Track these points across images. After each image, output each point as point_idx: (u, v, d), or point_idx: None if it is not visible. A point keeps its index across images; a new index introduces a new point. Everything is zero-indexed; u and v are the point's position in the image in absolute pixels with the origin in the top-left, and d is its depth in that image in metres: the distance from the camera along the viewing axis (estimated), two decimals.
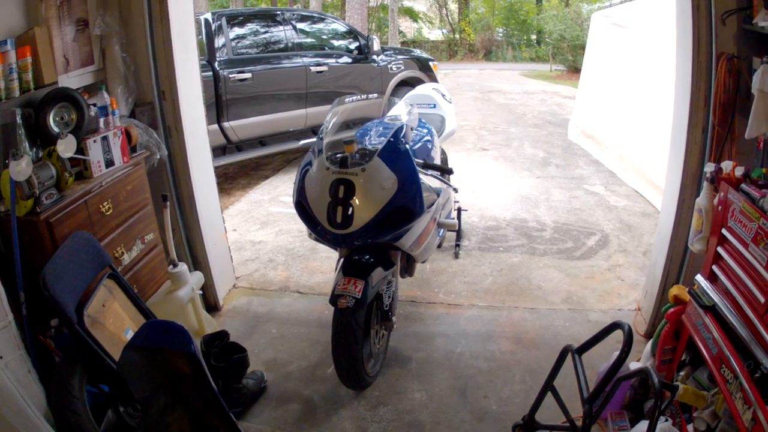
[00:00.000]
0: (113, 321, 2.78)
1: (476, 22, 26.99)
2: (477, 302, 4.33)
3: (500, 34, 27.03)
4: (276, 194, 6.99)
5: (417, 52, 10.13)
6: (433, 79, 9.20)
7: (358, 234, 2.99)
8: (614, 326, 2.54)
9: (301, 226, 5.63)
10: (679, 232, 3.53)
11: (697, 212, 2.89)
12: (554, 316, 4.11)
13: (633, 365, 3.02)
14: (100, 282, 2.82)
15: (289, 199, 6.50)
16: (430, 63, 9.49)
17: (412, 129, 3.48)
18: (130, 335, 2.77)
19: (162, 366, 2.28)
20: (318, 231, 3.12)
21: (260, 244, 5.46)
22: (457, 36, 27.11)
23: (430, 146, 4.19)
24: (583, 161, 8.11)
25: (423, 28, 28.77)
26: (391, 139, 3.21)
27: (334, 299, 2.98)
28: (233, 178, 7.70)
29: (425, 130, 4.37)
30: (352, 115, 4.09)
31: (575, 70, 18.93)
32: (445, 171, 3.60)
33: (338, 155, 3.15)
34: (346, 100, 3.77)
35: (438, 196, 3.57)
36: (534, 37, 26.18)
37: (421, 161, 3.47)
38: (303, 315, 4.22)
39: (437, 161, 4.32)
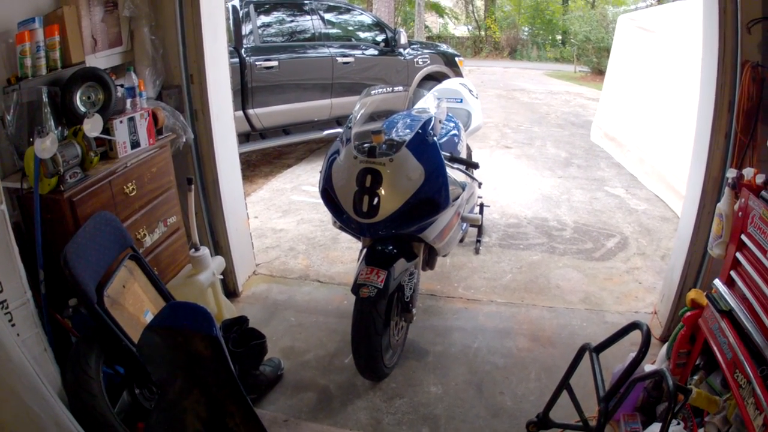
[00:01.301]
0: (133, 302, 2.79)
1: (502, 20, 26.83)
2: (496, 298, 4.32)
3: (525, 33, 26.84)
4: (298, 183, 7.01)
5: (443, 47, 10.09)
6: (459, 74, 9.17)
7: (383, 224, 2.99)
8: (632, 326, 2.54)
9: (322, 216, 5.68)
10: (698, 237, 3.50)
11: (717, 217, 2.87)
12: (571, 316, 4.10)
13: (648, 368, 2.97)
14: (121, 263, 2.84)
15: (312, 189, 6.63)
16: (456, 59, 9.47)
17: (440, 122, 3.47)
18: (149, 317, 2.79)
19: (182, 348, 2.29)
20: (343, 219, 3.12)
21: (281, 232, 5.48)
22: (483, 33, 26.97)
23: (456, 140, 4.17)
24: (605, 163, 8.05)
25: (448, 24, 28.67)
26: (420, 131, 3.21)
27: (356, 288, 2.98)
28: (256, 166, 7.73)
29: (452, 124, 4.36)
30: (380, 107, 4.10)
31: (599, 72, 18.77)
32: (470, 165, 3.59)
33: (366, 145, 3.15)
34: (373, 91, 3.77)
35: (463, 190, 3.57)
36: (559, 37, 25.96)
37: (448, 154, 3.45)
38: (322, 304, 4.23)
39: (463, 155, 4.31)
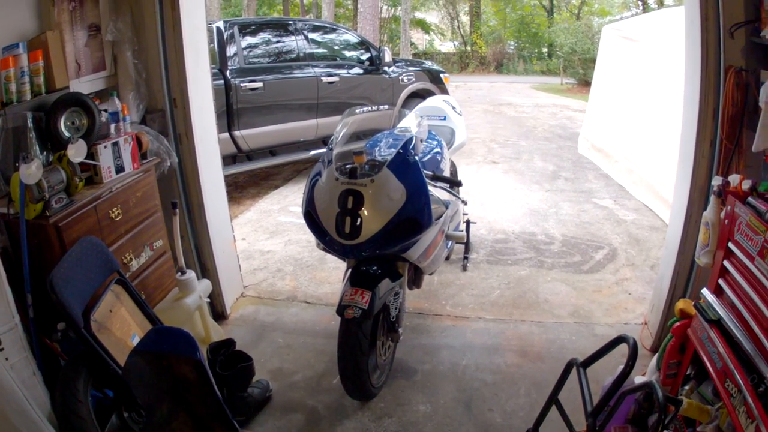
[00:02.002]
0: (120, 326, 2.79)
1: (488, 35, 26.98)
2: (484, 315, 4.32)
3: (511, 47, 27.02)
4: (285, 204, 7.01)
5: (428, 63, 10.14)
6: (444, 91, 9.20)
7: (366, 245, 3.00)
8: (619, 340, 2.52)
9: (309, 236, 5.60)
10: (686, 246, 3.51)
11: (704, 226, 2.88)
12: (561, 330, 4.10)
13: (638, 379, 2.99)
14: (107, 287, 2.84)
15: (299, 209, 6.49)
16: (441, 75, 9.51)
17: (421, 141, 3.49)
18: (136, 341, 2.78)
19: (167, 372, 2.30)
20: (326, 241, 3.14)
21: (269, 254, 5.47)
22: (469, 48, 27.12)
23: (439, 158, 4.19)
24: (593, 175, 8.09)
25: (435, 40, 28.83)
26: (401, 151, 3.23)
27: (340, 309, 2.99)
28: (243, 187, 7.73)
29: (435, 142, 4.37)
30: (363, 127, 4.11)
31: (586, 83, 18.85)
32: (454, 183, 3.61)
33: (347, 166, 3.16)
34: (357, 111, 3.79)
35: (446, 208, 3.58)
36: (545, 50, 26.15)
37: (430, 173, 3.48)
38: (310, 325, 4.22)
39: (446, 173, 4.33)
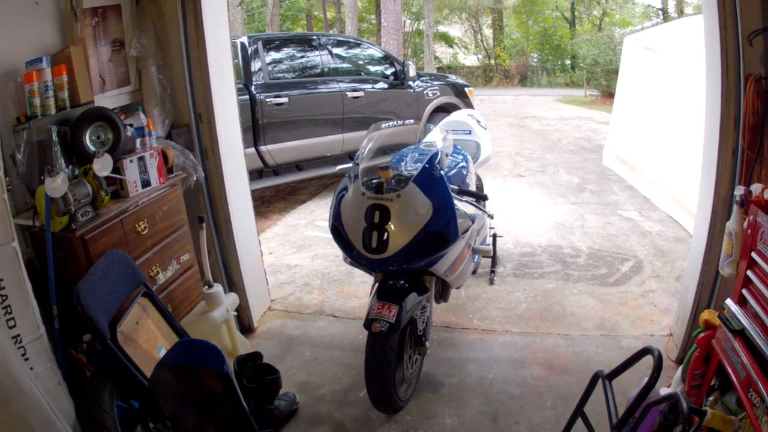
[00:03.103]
0: (146, 339, 2.82)
1: (511, 48, 26.96)
2: (511, 328, 4.30)
3: (535, 60, 26.93)
4: (312, 218, 7.04)
5: (452, 78, 10.14)
6: (469, 105, 9.20)
7: (392, 259, 3.01)
8: (644, 352, 2.52)
9: (336, 251, 5.64)
10: (710, 256, 3.47)
11: (727, 236, 2.83)
12: (587, 342, 4.07)
13: (663, 391, 2.91)
14: (134, 300, 2.88)
15: (326, 224, 6.52)
16: (466, 89, 9.50)
17: (447, 155, 3.50)
18: (162, 353, 2.80)
19: (194, 384, 2.31)
20: (353, 256, 3.15)
21: (296, 268, 5.50)
22: (492, 61, 27.10)
23: (465, 172, 4.20)
24: (618, 187, 8.03)
25: (458, 54, 28.86)
26: (426, 166, 3.22)
27: (368, 323, 3.00)
28: (270, 202, 7.79)
29: (460, 157, 4.38)
30: (389, 141, 4.13)
31: (609, 94, 18.70)
32: (479, 197, 3.61)
33: (374, 181, 3.19)
34: (382, 125, 3.80)
35: (473, 222, 3.58)
36: (568, 62, 26.04)
37: (456, 187, 3.48)
38: (337, 339, 4.23)
39: (472, 187, 4.34)
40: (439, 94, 8.96)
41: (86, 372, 2.78)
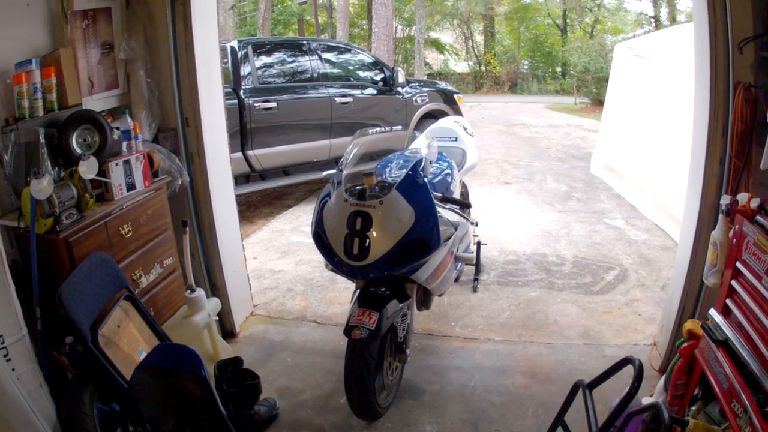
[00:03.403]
0: (127, 342, 2.82)
1: (502, 55, 27.06)
2: (493, 336, 4.30)
3: (525, 67, 27.05)
4: (298, 224, 7.04)
5: (442, 84, 10.16)
6: (458, 111, 9.24)
7: (374, 266, 3.02)
8: (625, 361, 2.52)
9: (320, 257, 5.60)
10: (695, 265, 3.47)
11: (712, 245, 2.85)
12: (570, 351, 4.08)
13: (645, 400, 2.96)
14: (116, 303, 2.87)
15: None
16: (455, 96, 9.55)
17: (431, 162, 3.51)
18: (143, 357, 2.81)
19: (173, 388, 2.32)
20: (335, 262, 3.16)
21: (280, 273, 5.50)
22: (483, 68, 27.17)
23: (449, 180, 4.20)
24: (605, 195, 8.07)
25: (449, 60, 28.91)
26: (410, 173, 3.24)
27: (348, 330, 3.00)
28: (256, 207, 7.78)
29: (445, 164, 4.39)
30: (375, 147, 4.12)
31: (599, 102, 18.76)
32: (463, 205, 3.61)
33: (357, 187, 3.19)
34: (368, 131, 3.81)
35: (456, 229, 3.58)
36: (559, 69, 26.13)
37: (440, 195, 3.49)
38: (319, 345, 4.22)
39: (456, 195, 4.34)
40: (427, 100, 8.99)
41: (68, 374, 2.77)
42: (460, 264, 4.18)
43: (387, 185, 3.21)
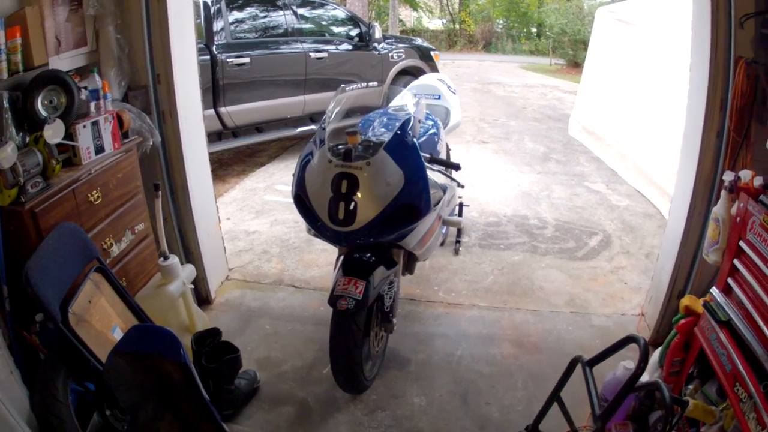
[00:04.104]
0: (100, 318, 2.61)
1: (476, 13, 26.77)
2: (478, 302, 4.20)
3: (500, 26, 26.82)
4: (271, 182, 6.83)
5: (418, 41, 9.98)
6: (434, 68, 9.09)
7: (360, 232, 2.82)
8: (629, 339, 2.41)
9: (296, 216, 5.43)
10: (688, 238, 3.42)
11: (713, 222, 2.76)
12: (557, 320, 4.01)
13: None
14: (86, 276, 2.66)
15: (285, 188, 6.47)
16: (432, 53, 9.37)
17: (419, 121, 3.31)
18: (117, 334, 2.62)
19: (150, 372, 2.14)
20: (318, 227, 2.93)
21: (254, 234, 5.31)
22: (457, 26, 26.90)
23: (436, 139, 4.00)
24: (584, 158, 8.00)
25: (422, 18, 28.54)
26: (398, 132, 3.02)
27: (333, 300, 2.82)
28: (228, 165, 7.53)
29: (431, 122, 4.19)
30: (355, 104, 3.89)
31: (575, 64, 18.85)
32: (451, 166, 3.36)
33: (340, 147, 2.98)
34: (348, 88, 3.58)
35: (444, 192, 3.41)
36: (534, 30, 25.97)
37: (428, 156, 3.26)
38: (298, 311, 4.07)
39: (443, 155, 4.16)
40: (404, 56, 8.82)
41: (40, 355, 2.58)
42: (446, 228, 4.02)
43: (372, 145, 3.00)
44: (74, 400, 2.41)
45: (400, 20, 24.90)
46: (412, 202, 2.89)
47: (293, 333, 3.81)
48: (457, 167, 3.29)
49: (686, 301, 2.87)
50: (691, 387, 2.72)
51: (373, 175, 2.81)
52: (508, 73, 17.72)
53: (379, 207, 2.81)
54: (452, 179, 3.68)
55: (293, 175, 3.09)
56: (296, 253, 4.95)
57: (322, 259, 4.79)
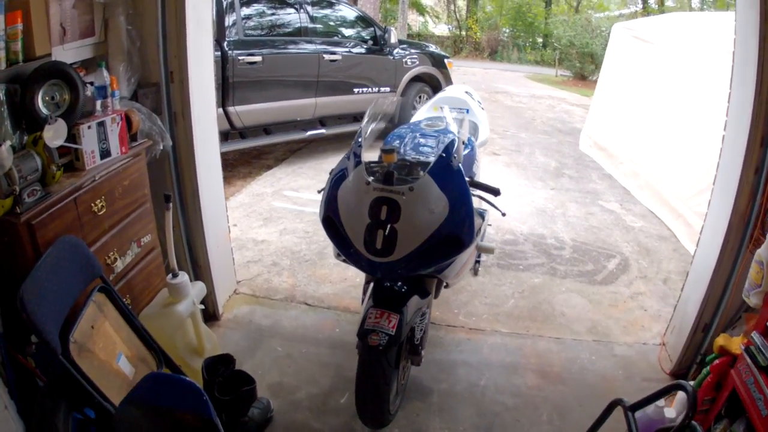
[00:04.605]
0: (103, 346, 2.34)
1: (483, 21, 26.70)
2: (500, 328, 3.99)
3: (506, 35, 26.74)
4: (279, 187, 6.59)
5: (431, 47, 9.75)
6: (447, 76, 9.01)
7: (399, 264, 2.53)
8: (675, 387, 2.36)
9: (306, 226, 5.29)
10: (719, 273, 3.27)
11: (757, 264, 2.62)
12: (579, 348, 3.83)
13: (667, 411, 2.77)
14: (89, 297, 2.39)
15: (294, 194, 6.24)
16: (445, 60, 9.20)
17: (463, 143, 3.03)
18: (122, 362, 2.36)
19: (167, 425, 1.88)
20: (350, 254, 2.64)
21: (263, 244, 5.06)
22: (464, 33, 26.80)
23: (473, 160, 3.74)
24: (596, 175, 7.82)
25: (428, 23, 28.41)
26: (443, 155, 2.71)
27: (363, 333, 2.56)
28: (233, 166, 7.27)
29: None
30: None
31: (582, 77, 18.78)
32: (491, 191, 3.08)
33: (374, 165, 2.72)
34: (387, 102, 3.29)
35: (483, 219, 3.15)
36: (540, 40, 25.90)
37: (468, 179, 2.92)
38: (311, 331, 3.83)
39: (479, 177, 3.89)
40: (417, 63, 8.63)
41: (37, 380, 2.32)
42: (479, 254, 3.76)
43: (409, 165, 2.75)
44: (74, 428, 2.16)
45: (408, 25, 24.79)
46: (456, 232, 2.61)
47: (307, 356, 3.56)
48: (496, 192, 3.01)
49: (720, 340, 2.82)
50: (720, 427, 2.68)
51: (415, 201, 2.54)
52: (515, 82, 17.55)
53: (422, 237, 2.53)
54: (491, 204, 3.37)
55: (321, 191, 2.84)
56: (308, 266, 4.70)
57: (335, 274, 4.55)
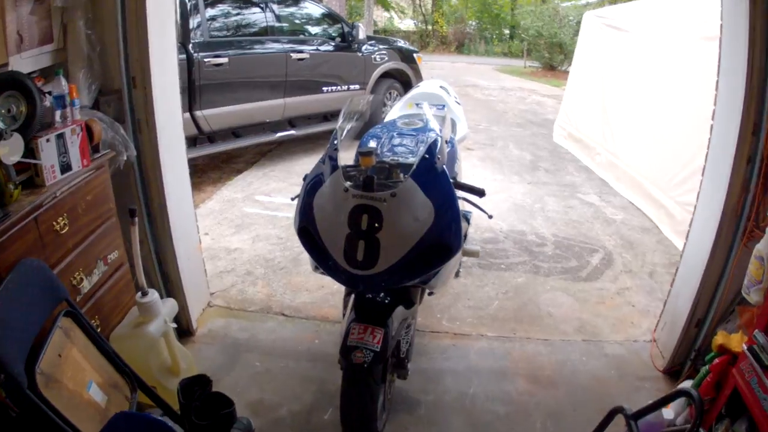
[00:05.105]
0: (72, 375, 2.16)
1: (449, 14, 26.71)
2: (485, 331, 3.87)
3: (473, 27, 26.76)
4: (250, 192, 6.42)
5: (400, 42, 9.68)
6: (417, 71, 8.95)
7: (382, 276, 2.34)
8: (680, 394, 2.32)
9: (279, 232, 5.12)
10: (712, 268, 3.20)
11: (756, 259, 2.54)
12: (569, 349, 3.73)
13: (665, 412, 2.78)
14: (54, 323, 2.20)
15: (266, 199, 6.07)
16: (414, 55, 9.12)
17: (446, 142, 2.86)
18: (93, 391, 2.18)
19: None
20: (329, 267, 2.44)
21: (236, 252, 4.89)
22: (430, 27, 26.78)
23: (454, 160, 3.59)
24: (573, 167, 7.80)
25: (394, 18, 28.34)
26: (426, 156, 2.52)
27: (346, 350, 2.39)
28: (203, 171, 7.07)
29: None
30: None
31: (551, 67, 18.82)
32: (475, 192, 2.91)
33: (350, 169, 2.55)
34: (362, 100, 3.12)
35: (468, 223, 3.00)
36: (507, 31, 25.96)
37: (452, 181, 2.73)
38: (290, 344, 3.67)
39: (461, 177, 3.72)
40: (387, 58, 8.55)
41: (9, 411, 2.11)
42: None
43: (389, 168, 2.58)
44: None
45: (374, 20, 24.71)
46: (443, 240, 2.44)
47: (287, 371, 3.40)
48: (481, 193, 2.84)
49: (720, 339, 2.74)
50: (721, 427, 2.59)
51: (398, 208, 2.35)
52: (484, 75, 17.56)
53: (406, 247, 2.34)
54: (476, 206, 3.22)
55: (295, 198, 2.67)
56: (283, 275, 4.54)
57: (312, 282, 4.38)
